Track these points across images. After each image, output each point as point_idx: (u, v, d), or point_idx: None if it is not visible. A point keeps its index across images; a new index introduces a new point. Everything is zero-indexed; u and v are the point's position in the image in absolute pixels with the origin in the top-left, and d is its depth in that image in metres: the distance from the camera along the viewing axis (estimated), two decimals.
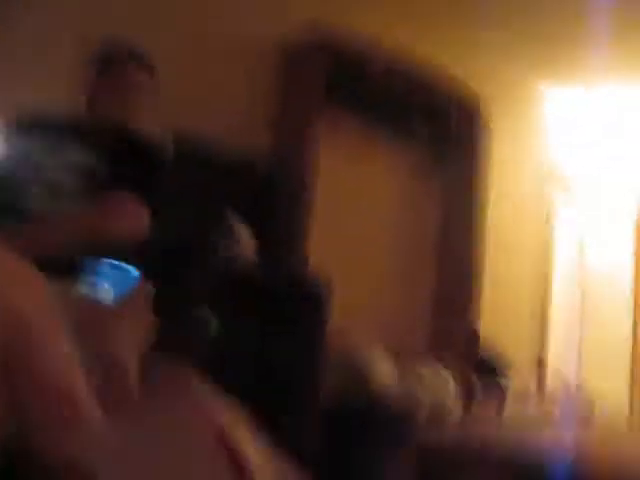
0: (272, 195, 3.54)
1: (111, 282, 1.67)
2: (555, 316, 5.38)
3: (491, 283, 4.52)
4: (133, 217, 1.94)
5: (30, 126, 2.11)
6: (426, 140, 4.38)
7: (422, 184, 4.55)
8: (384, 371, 3.65)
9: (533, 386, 4.68)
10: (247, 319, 3.22)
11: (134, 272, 1.67)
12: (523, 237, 5.24)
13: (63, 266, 1.47)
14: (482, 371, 4.15)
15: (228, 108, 3.62)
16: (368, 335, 3.87)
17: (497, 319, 4.65)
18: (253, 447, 1.40)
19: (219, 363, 2.85)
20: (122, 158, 2.11)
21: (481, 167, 4.45)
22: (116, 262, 1.68)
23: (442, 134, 4.50)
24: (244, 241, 3.17)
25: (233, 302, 3.10)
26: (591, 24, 4.18)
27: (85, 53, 2.28)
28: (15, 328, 0.91)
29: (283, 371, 3.09)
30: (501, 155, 4.84)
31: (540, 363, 5.04)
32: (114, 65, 2.24)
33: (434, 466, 2.44)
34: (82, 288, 1.54)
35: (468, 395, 3.96)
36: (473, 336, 4.30)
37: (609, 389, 5.22)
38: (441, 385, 3.79)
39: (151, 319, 1.46)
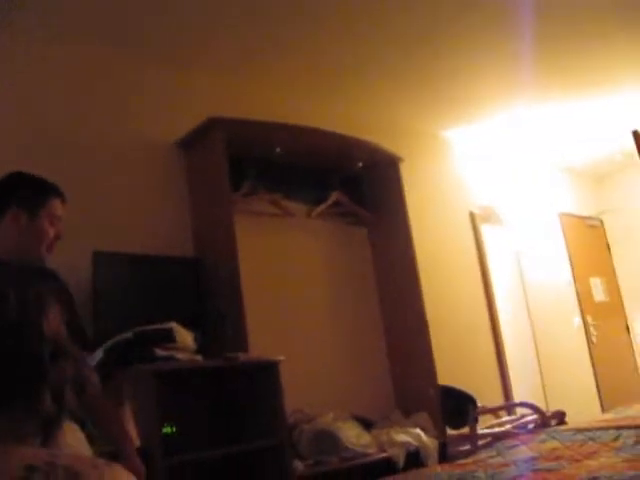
0: (203, 284, 3.52)
1: None
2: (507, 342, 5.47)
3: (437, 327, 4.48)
4: None
5: None
6: (345, 201, 4.43)
7: (350, 244, 4.58)
8: (354, 435, 3.60)
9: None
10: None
11: None
12: (461, 273, 5.31)
13: None
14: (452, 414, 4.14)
15: (143, 208, 3.64)
16: (331, 404, 3.84)
17: (454, 361, 4.64)
18: None
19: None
20: None
21: (405, 217, 4.47)
22: None
23: (359, 192, 4.60)
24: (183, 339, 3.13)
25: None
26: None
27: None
28: None
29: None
30: (421, 199, 4.93)
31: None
32: (49, 201, 2.25)
33: None
34: None
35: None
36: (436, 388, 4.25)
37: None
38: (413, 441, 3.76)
39: None
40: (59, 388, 1.00)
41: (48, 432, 1.00)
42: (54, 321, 0.99)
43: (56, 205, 2.28)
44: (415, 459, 3.71)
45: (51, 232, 2.23)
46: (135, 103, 3.81)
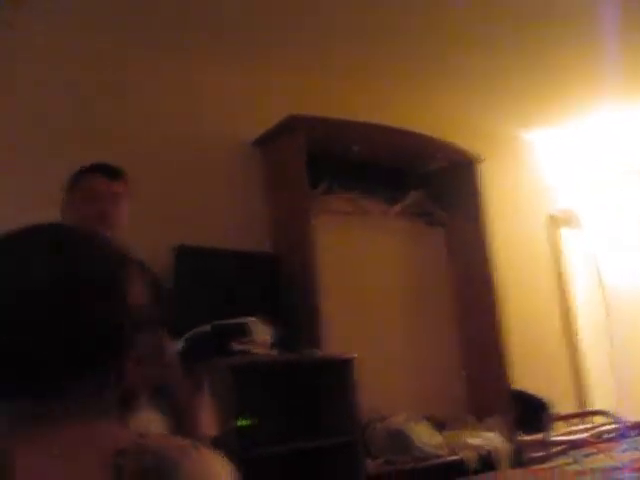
0: (280, 280, 3.55)
1: None
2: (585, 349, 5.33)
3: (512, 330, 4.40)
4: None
5: None
6: (422, 200, 4.40)
7: (425, 244, 4.54)
8: (427, 435, 3.58)
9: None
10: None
11: None
12: (538, 277, 5.21)
13: None
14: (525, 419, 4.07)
15: (221, 204, 3.70)
16: (403, 403, 3.83)
17: (528, 365, 4.55)
18: None
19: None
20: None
21: (482, 218, 4.41)
22: None
23: (436, 192, 4.55)
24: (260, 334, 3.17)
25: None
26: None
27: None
28: None
29: None
30: (499, 201, 4.86)
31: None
32: (84, 177, 2.27)
33: None
34: None
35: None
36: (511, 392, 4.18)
37: None
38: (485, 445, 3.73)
39: None
40: (140, 360, 0.97)
41: (126, 406, 0.98)
42: (139, 288, 0.95)
43: (92, 180, 2.24)
44: (487, 463, 3.67)
45: (89, 209, 2.17)
46: (214, 103, 3.88)
